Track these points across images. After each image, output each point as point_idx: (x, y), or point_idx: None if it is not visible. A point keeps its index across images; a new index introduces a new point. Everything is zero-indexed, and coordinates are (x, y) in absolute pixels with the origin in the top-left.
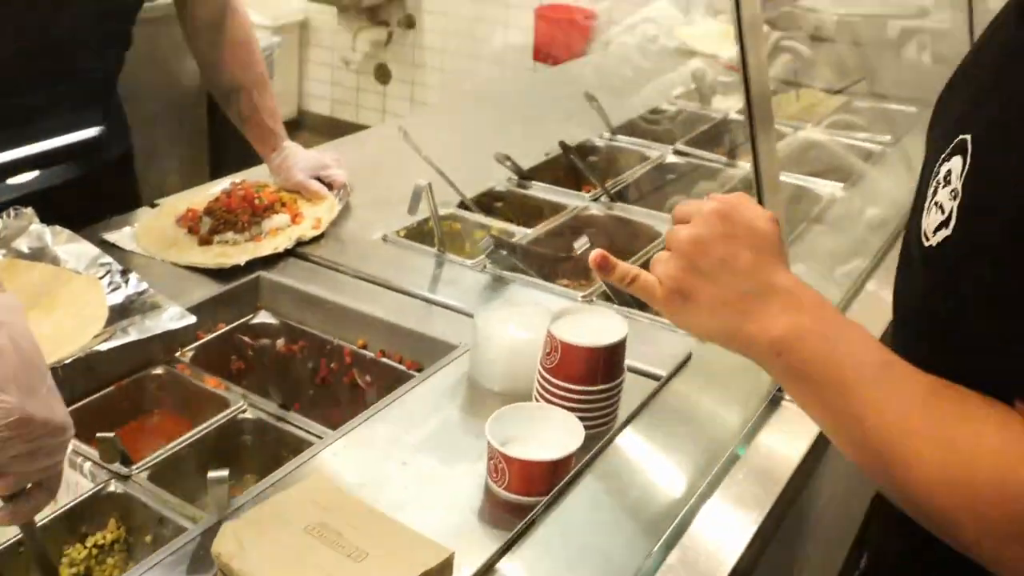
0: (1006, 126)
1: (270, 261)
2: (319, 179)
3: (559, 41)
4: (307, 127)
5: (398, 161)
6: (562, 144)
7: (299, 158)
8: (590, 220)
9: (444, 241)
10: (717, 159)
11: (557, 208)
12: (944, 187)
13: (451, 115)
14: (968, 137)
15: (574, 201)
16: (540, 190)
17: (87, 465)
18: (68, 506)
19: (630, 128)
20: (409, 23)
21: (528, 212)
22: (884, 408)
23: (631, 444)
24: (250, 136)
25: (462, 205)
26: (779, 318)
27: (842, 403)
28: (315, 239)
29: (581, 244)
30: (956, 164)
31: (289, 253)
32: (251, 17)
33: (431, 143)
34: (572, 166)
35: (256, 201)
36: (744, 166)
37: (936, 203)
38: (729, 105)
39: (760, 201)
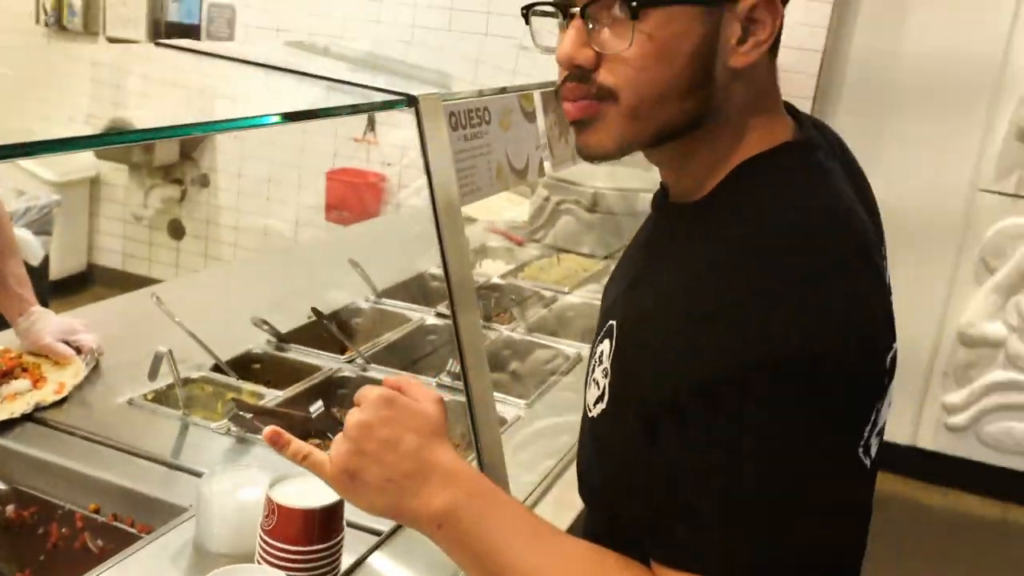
0: (637, 318)
1: (6, 426)
2: (67, 343)
3: (351, 202)
4: (98, 280)
5: (156, 324)
6: (314, 310)
7: (48, 322)
8: (343, 381)
9: (190, 404)
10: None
11: (313, 370)
12: (599, 366)
13: (225, 276)
14: (614, 323)
15: (329, 363)
16: (298, 352)
17: None
18: None
19: (397, 291)
20: (204, 182)
21: (285, 374)
22: (533, 573)
23: None
24: None
25: (216, 368)
26: (438, 494)
27: (497, 570)
28: (59, 403)
29: (316, 408)
30: (606, 346)
31: (28, 418)
32: (37, 172)
33: (196, 306)
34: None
35: None
36: (499, 327)
37: (594, 380)
38: (496, 268)
39: (465, 381)
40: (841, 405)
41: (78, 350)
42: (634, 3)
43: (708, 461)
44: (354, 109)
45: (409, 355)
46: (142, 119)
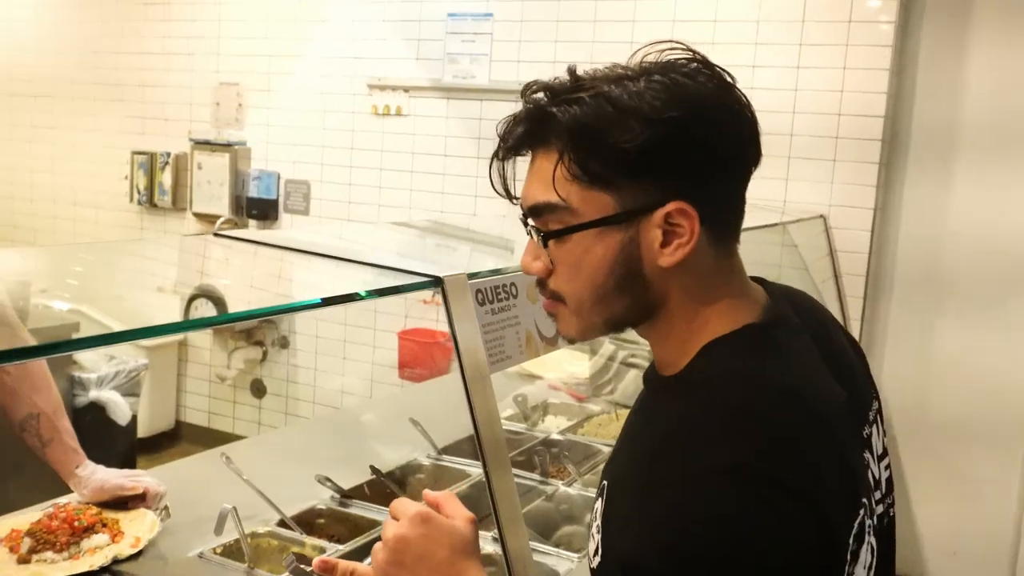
0: (611, 483)
1: None
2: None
3: (422, 360)
4: (185, 438)
5: (227, 482)
6: (372, 468)
7: (106, 470)
8: None
9: (254, 558)
10: (531, 477)
11: (374, 525)
12: (595, 522)
13: (295, 435)
14: (606, 483)
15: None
16: (360, 508)
17: None
18: None
19: (458, 447)
20: (283, 344)
21: (347, 529)
22: None
23: None
24: (51, 457)
25: (281, 523)
26: None
27: None
28: (134, 556)
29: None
30: (599, 504)
31: (105, 570)
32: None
33: (266, 464)
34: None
35: (76, 523)
36: (556, 483)
37: (592, 534)
38: (557, 424)
39: (500, 537)
40: (775, 567)
41: (143, 496)
42: (541, 235)
43: None
44: (384, 292)
45: (468, 508)
46: (225, 287)
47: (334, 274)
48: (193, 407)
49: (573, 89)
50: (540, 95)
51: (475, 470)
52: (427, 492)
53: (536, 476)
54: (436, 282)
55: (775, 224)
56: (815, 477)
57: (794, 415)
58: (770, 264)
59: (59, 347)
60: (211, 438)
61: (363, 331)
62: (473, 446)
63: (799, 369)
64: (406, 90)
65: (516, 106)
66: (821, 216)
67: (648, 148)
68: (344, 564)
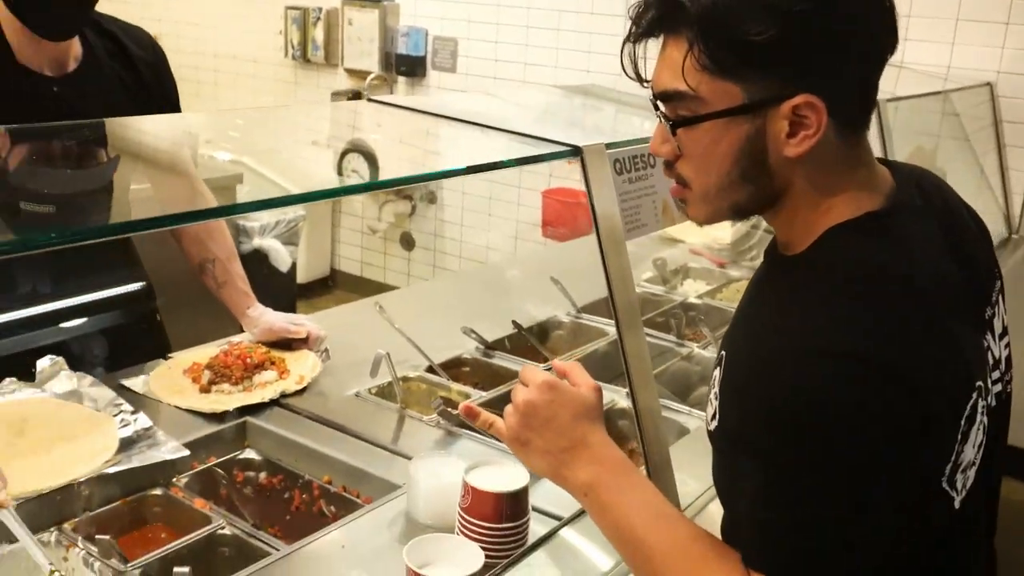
0: (730, 353)
1: (257, 408)
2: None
3: (564, 220)
4: (339, 285)
5: (381, 329)
6: (514, 323)
7: (273, 313)
8: None
9: (406, 400)
10: (668, 339)
11: (514, 375)
12: (713, 388)
13: (443, 288)
14: (724, 353)
15: None
16: (502, 359)
17: (96, 564)
18: None
19: (597, 307)
20: (431, 199)
21: (490, 378)
22: (654, 547)
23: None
24: (225, 297)
25: (430, 369)
26: (585, 468)
27: (628, 536)
28: (299, 392)
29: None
30: (718, 373)
31: (274, 403)
32: (287, 187)
33: (416, 314)
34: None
35: (248, 360)
36: (691, 345)
37: (710, 399)
38: (696, 288)
39: (632, 395)
40: (878, 449)
41: (305, 339)
42: (669, 122)
43: (767, 487)
44: (525, 161)
45: (603, 367)
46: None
47: (479, 140)
48: (347, 256)
49: None
50: None
51: (612, 329)
52: (555, 361)
53: (672, 338)
54: (575, 151)
55: (936, 93)
56: (920, 363)
57: (904, 302)
58: (928, 134)
59: (235, 209)
60: (363, 286)
61: (508, 189)
62: (605, 307)
63: (915, 255)
64: None
65: None
66: (988, 84)
67: (778, 41)
68: (485, 415)
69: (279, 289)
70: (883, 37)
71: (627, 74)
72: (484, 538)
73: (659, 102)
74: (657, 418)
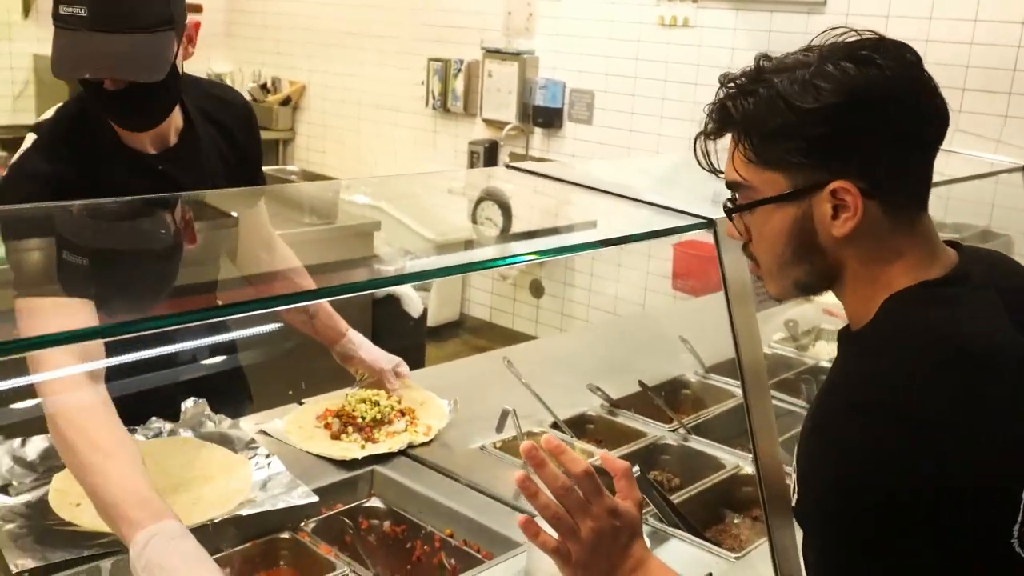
0: (810, 424)
1: (385, 457)
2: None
3: (695, 273)
4: (467, 329)
5: (508, 382)
6: (640, 383)
7: (367, 344)
8: (665, 448)
9: None
10: (796, 403)
11: (639, 435)
12: (793, 462)
13: (569, 341)
14: (806, 425)
15: (654, 430)
16: (627, 418)
17: None
18: None
19: (725, 368)
20: None
21: (615, 436)
22: None
23: None
24: (319, 329)
25: (555, 425)
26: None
27: None
28: (426, 443)
29: (635, 471)
30: (798, 445)
31: (401, 452)
32: (421, 232)
33: (542, 368)
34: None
35: (377, 410)
36: None
37: (790, 473)
38: (828, 351)
39: (755, 459)
40: (933, 512)
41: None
42: (727, 208)
43: (822, 554)
44: (656, 234)
45: (730, 430)
46: (512, 192)
47: (612, 207)
48: (476, 301)
49: (753, 80)
50: (731, 85)
51: (739, 390)
52: (605, 455)
53: (801, 402)
54: (708, 224)
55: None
56: (974, 426)
57: (957, 367)
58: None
59: (360, 286)
60: (492, 332)
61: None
62: (734, 368)
63: (972, 321)
64: (694, 0)
65: (807, 19)
66: None
67: (813, 136)
68: (545, 536)
69: (409, 334)
70: (926, 124)
71: (701, 165)
72: None
73: (730, 190)
74: (781, 485)
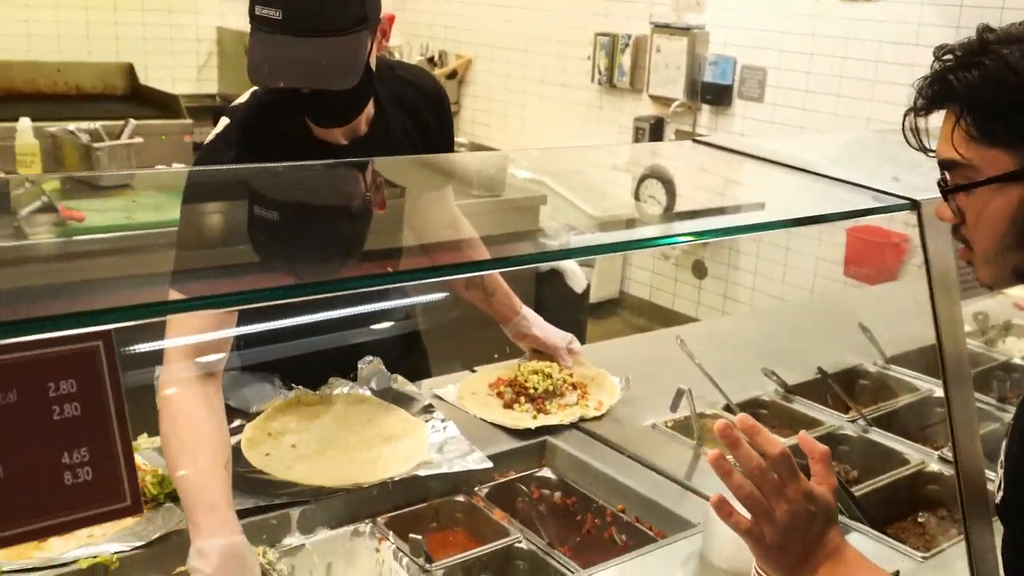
0: (1020, 424)
1: (557, 429)
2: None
3: (870, 260)
4: (626, 307)
5: (678, 362)
6: (820, 369)
7: (541, 322)
8: (843, 439)
9: (703, 437)
10: (987, 401)
11: (814, 423)
12: (999, 458)
13: (740, 321)
14: (1014, 423)
15: (831, 420)
16: (802, 405)
17: (404, 559)
18: None
19: (908, 359)
20: None
21: (788, 423)
22: None
23: None
24: (495, 307)
25: (727, 408)
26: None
27: None
28: (598, 418)
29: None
30: (1004, 443)
31: (572, 425)
32: (585, 208)
33: (713, 349)
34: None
35: (550, 382)
36: (1011, 410)
37: (997, 470)
38: (1020, 347)
39: (955, 458)
40: None
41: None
42: (943, 189)
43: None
44: (856, 214)
45: (913, 423)
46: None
47: (795, 184)
48: (637, 280)
49: (977, 52)
50: (948, 57)
51: (922, 384)
52: (804, 436)
53: (991, 400)
54: (912, 205)
55: None
56: None
57: None
58: None
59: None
60: (651, 311)
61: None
62: (923, 359)
63: None
64: None
65: None
66: None
67: None
68: (738, 515)
69: (571, 309)
70: None
71: (910, 144)
72: None
73: (943, 170)
74: (980, 483)
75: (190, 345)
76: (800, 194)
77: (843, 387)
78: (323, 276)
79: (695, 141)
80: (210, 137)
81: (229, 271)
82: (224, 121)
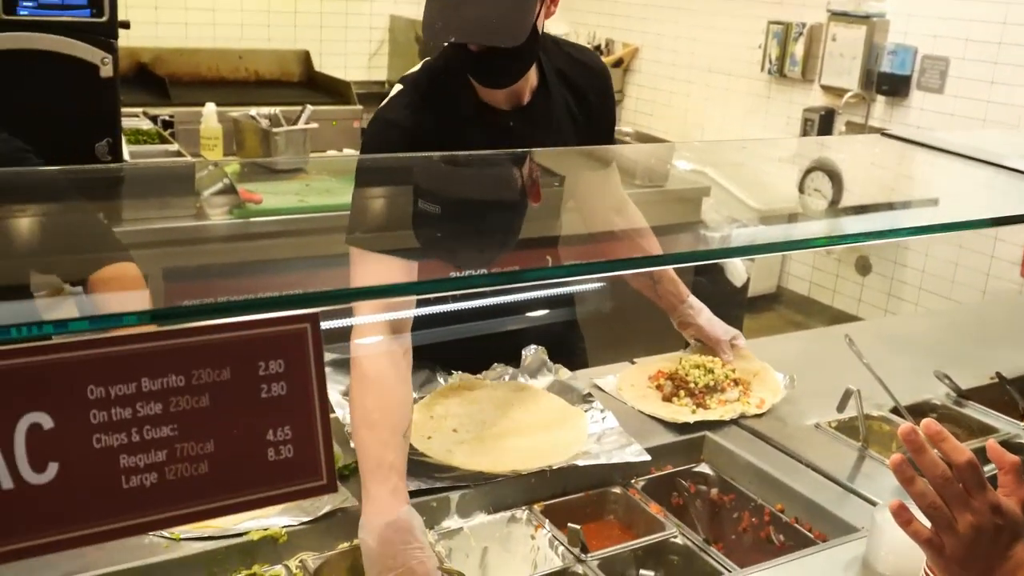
0: None
1: (716, 425)
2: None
3: None
4: (784, 303)
5: (845, 359)
6: (998, 374)
7: (707, 312)
8: (1018, 448)
9: (868, 439)
10: None
11: (989, 430)
12: None
13: (909, 320)
14: None
15: (1007, 427)
16: (975, 411)
17: (560, 548)
18: (544, 574)
19: None
20: None
21: (959, 429)
22: None
23: None
24: (661, 293)
25: (895, 410)
26: None
27: None
28: (759, 415)
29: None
30: None
31: (732, 421)
32: (746, 200)
33: (880, 348)
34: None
35: (711, 377)
36: None
37: None
38: None
39: None
40: None
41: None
42: None
43: None
44: None
45: None
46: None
47: (976, 184)
48: (796, 275)
49: None
50: None
51: None
52: (992, 443)
53: None
54: None
55: None
56: None
57: None
58: None
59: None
60: (809, 307)
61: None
62: None
63: None
64: None
65: None
66: None
67: None
68: (917, 524)
69: (730, 303)
70: None
71: None
72: None
73: None
74: None
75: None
76: (990, 191)
77: (1022, 394)
78: (494, 267)
79: (884, 135)
80: (382, 104)
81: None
82: (397, 87)
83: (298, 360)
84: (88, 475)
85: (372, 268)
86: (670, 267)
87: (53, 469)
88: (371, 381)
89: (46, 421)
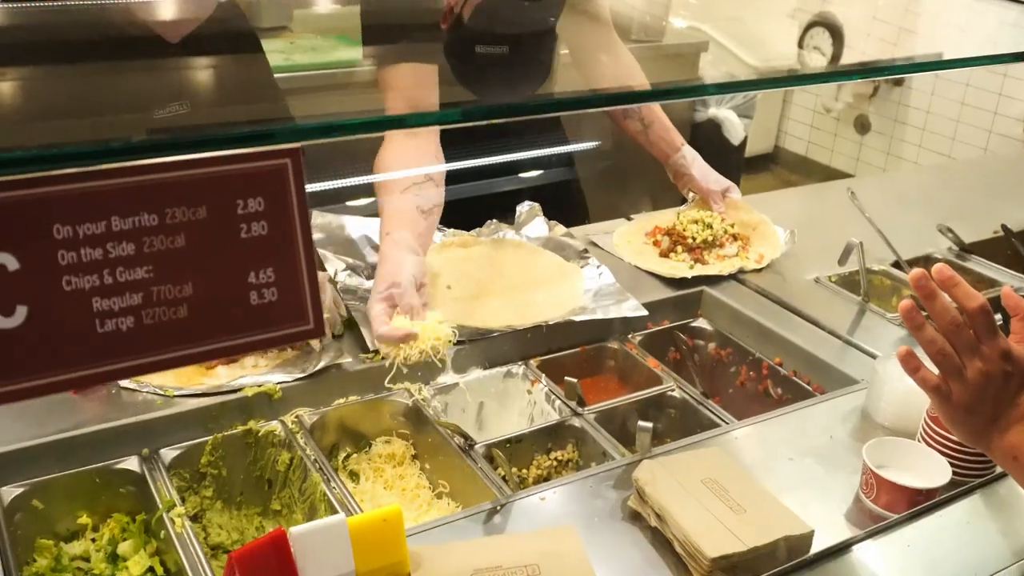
0: None
1: (714, 279)
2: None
3: None
4: (780, 162)
5: (846, 214)
6: (1003, 227)
7: (700, 162)
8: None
9: (869, 293)
10: None
11: (991, 283)
12: None
13: (910, 176)
14: None
15: (1010, 280)
16: (978, 264)
17: (557, 402)
18: (541, 427)
19: None
20: (897, 80)
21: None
22: None
23: (995, 498)
24: (652, 140)
25: (896, 264)
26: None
27: None
28: (758, 270)
29: None
30: None
31: (731, 276)
32: (744, 58)
33: (883, 203)
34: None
35: (709, 232)
36: None
37: None
38: None
39: None
40: None
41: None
42: None
43: None
44: None
45: None
46: (845, 16)
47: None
48: (793, 134)
49: None
50: None
51: None
52: (1008, 290)
53: None
54: None
55: None
56: None
57: None
58: None
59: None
60: (806, 167)
61: (992, 78)
62: None
63: None
64: None
65: None
66: None
67: None
68: (926, 371)
69: (727, 160)
70: None
71: None
72: (953, 453)
73: None
74: None
75: (408, 97)
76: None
77: None
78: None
79: None
80: None
81: None
82: None
83: (279, 198)
84: (60, 319)
85: (403, 72)
86: (662, 113)
87: (22, 313)
88: (393, 150)
89: (11, 262)
